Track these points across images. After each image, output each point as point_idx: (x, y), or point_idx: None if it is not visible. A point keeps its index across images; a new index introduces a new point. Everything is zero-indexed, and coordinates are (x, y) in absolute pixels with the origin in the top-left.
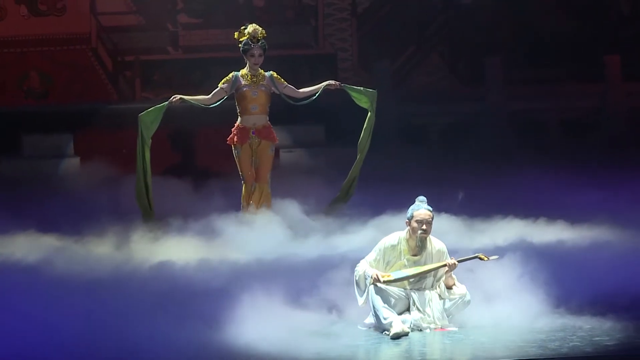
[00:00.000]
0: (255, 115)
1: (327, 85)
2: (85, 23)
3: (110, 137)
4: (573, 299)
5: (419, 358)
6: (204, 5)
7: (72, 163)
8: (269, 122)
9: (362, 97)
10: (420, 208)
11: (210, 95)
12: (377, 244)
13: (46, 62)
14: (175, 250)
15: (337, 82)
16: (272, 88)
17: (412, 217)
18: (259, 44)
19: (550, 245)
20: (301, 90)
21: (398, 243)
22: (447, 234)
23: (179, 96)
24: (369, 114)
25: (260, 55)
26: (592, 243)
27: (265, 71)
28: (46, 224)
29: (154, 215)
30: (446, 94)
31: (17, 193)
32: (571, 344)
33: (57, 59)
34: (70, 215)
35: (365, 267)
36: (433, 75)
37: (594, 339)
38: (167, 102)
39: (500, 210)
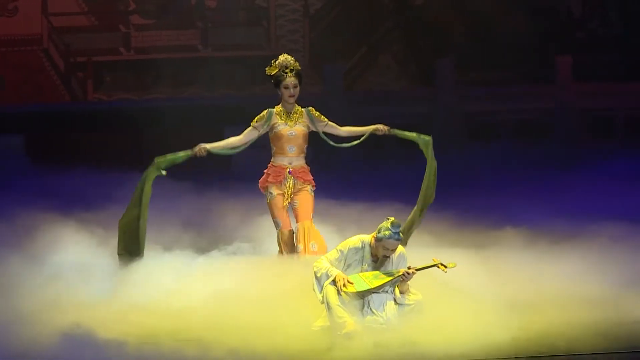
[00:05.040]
0: (291, 157)
1: (374, 129)
2: (37, 24)
3: (62, 138)
4: (537, 299)
5: (372, 357)
6: (156, 7)
7: (23, 165)
8: (306, 165)
9: (415, 143)
10: (391, 238)
11: (241, 136)
12: (340, 245)
13: None
14: None
15: (387, 127)
16: (311, 126)
17: (381, 240)
18: (293, 72)
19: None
20: (344, 128)
21: (362, 248)
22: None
23: (204, 146)
24: (428, 162)
25: (295, 87)
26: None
27: (302, 107)
28: None
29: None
30: (398, 95)
31: None
32: (547, 340)
33: (8, 60)
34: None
35: (328, 267)
36: (385, 76)
37: (567, 336)
38: (189, 153)
39: (453, 214)
